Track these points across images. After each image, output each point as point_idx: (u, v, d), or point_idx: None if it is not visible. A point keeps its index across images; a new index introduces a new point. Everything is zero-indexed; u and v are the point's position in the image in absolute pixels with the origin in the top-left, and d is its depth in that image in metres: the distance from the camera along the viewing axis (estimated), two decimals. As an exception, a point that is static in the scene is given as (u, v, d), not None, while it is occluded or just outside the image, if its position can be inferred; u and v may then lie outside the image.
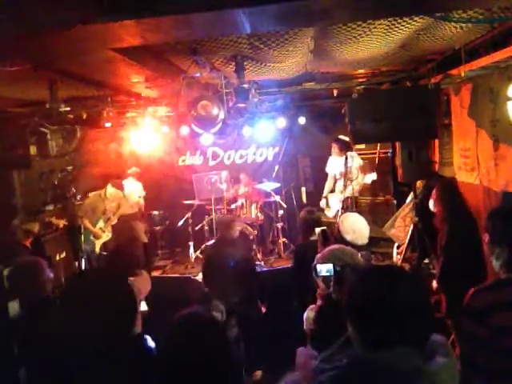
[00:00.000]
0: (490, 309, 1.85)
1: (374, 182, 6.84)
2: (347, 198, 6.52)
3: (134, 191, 7.34)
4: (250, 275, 4.72)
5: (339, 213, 6.33)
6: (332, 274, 2.34)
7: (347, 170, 6.42)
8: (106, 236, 6.59)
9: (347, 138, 6.59)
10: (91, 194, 6.59)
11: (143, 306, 5.11)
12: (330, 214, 7.01)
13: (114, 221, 6.76)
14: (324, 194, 7.05)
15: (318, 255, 2.65)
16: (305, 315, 3.06)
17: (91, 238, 6.44)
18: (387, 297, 1.30)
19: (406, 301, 1.29)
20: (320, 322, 2.36)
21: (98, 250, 6.46)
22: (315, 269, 2.41)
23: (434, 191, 4.45)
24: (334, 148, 6.78)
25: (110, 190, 6.62)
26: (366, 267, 2.39)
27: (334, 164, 6.92)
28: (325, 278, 2.45)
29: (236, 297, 4.26)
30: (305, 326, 2.98)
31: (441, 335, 1.40)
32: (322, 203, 7.00)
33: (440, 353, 1.31)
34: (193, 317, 1.86)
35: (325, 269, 2.36)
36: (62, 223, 6.28)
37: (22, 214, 5.80)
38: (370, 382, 1.24)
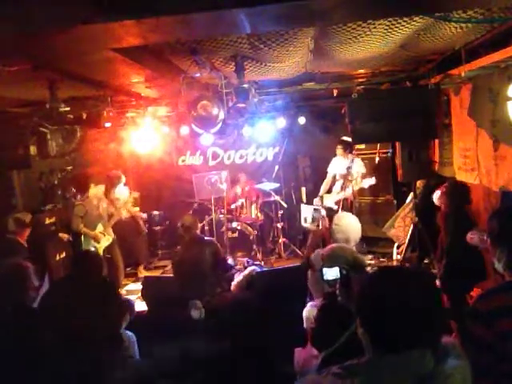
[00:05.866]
0: (497, 313, 1.81)
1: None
2: (346, 198, 6.54)
3: (123, 196, 7.13)
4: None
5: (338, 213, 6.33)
6: (338, 277, 2.33)
7: (348, 172, 6.44)
8: (107, 240, 6.51)
9: (350, 139, 6.61)
10: (78, 201, 6.51)
11: (143, 306, 5.12)
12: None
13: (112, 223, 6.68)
14: (320, 193, 7.04)
15: (323, 255, 2.65)
16: (304, 313, 3.07)
17: (92, 241, 6.37)
18: (400, 298, 1.27)
19: (420, 302, 1.27)
20: (322, 321, 2.36)
21: (101, 253, 6.39)
22: (321, 272, 2.41)
23: (444, 185, 4.45)
24: (339, 149, 6.81)
25: (92, 190, 6.52)
26: (376, 269, 2.39)
27: (337, 165, 6.92)
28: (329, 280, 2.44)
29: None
30: (305, 325, 2.98)
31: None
32: (316, 202, 6.97)
33: (452, 355, 1.28)
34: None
35: (331, 272, 2.36)
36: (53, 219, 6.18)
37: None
38: None
